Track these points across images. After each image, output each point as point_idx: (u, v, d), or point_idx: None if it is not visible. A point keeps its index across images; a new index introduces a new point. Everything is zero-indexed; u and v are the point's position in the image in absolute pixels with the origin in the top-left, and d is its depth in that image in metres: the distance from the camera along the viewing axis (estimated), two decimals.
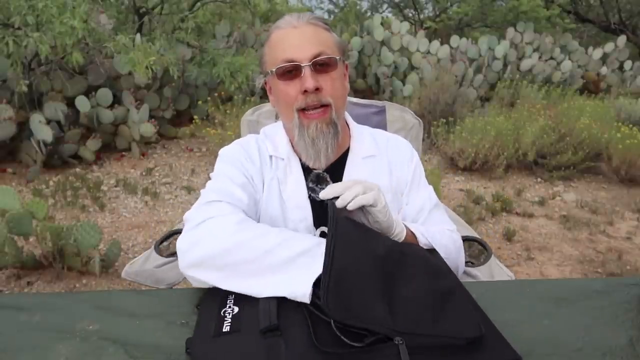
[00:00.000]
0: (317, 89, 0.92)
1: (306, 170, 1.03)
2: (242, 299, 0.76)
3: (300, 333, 0.67)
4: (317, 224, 1.01)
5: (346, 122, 1.11)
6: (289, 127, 1.01)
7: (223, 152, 1.06)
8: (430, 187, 1.13)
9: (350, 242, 0.74)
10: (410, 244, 0.90)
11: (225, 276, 0.79)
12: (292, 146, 1.04)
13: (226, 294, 0.78)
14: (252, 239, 0.80)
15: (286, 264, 0.77)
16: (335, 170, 1.04)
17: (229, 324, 0.70)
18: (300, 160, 1.03)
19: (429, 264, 0.79)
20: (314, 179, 1.03)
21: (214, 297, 0.78)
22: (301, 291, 0.73)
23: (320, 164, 1.00)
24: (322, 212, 1.00)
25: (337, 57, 0.95)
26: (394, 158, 1.10)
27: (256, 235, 0.81)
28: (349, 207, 0.82)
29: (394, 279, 0.73)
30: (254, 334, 0.67)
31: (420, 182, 1.11)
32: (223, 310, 0.74)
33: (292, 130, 0.99)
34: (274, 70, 0.94)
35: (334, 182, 1.03)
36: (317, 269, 0.73)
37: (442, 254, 0.91)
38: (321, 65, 0.92)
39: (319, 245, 0.77)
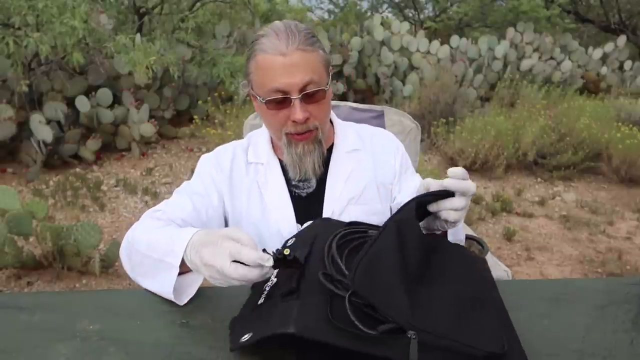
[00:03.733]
0: (306, 119, 0.95)
1: (285, 169, 1.06)
2: (282, 271, 0.78)
3: (316, 303, 0.66)
4: (302, 220, 1.04)
5: (330, 121, 1.13)
6: (278, 144, 1.05)
7: (200, 159, 1.12)
8: (419, 175, 1.17)
9: (400, 233, 0.74)
10: (458, 246, 0.90)
11: (133, 274, 0.89)
12: (274, 149, 1.08)
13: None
14: (142, 242, 0.88)
15: (153, 270, 0.83)
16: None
17: (265, 295, 0.73)
18: (281, 162, 1.06)
19: (468, 270, 0.77)
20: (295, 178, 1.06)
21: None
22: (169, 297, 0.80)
23: (309, 178, 1.04)
24: (304, 209, 1.04)
25: (325, 88, 0.96)
26: (379, 151, 1.12)
27: (145, 240, 0.88)
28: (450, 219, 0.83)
29: (426, 278, 0.72)
30: (278, 298, 0.70)
31: (408, 169, 1.14)
32: (265, 285, 0.76)
33: (280, 147, 1.03)
34: (262, 100, 0.95)
35: (318, 178, 1.07)
36: (169, 282, 0.79)
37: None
38: (310, 96, 0.94)
39: (172, 252, 0.80)
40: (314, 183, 1.06)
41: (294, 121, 0.94)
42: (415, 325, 0.61)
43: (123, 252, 0.92)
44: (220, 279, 0.73)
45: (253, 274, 0.70)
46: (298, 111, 0.92)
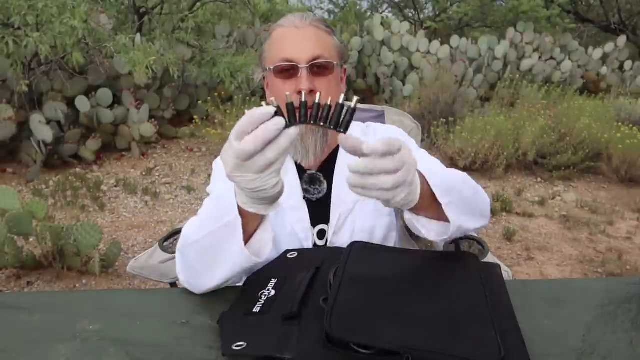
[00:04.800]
0: (311, 91, 0.93)
1: (300, 170, 1.05)
2: (282, 285, 0.78)
3: (316, 326, 0.67)
4: (313, 223, 1.03)
5: None
6: None
7: (215, 164, 1.08)
8: (425, 152, 1.07)
9: (359, 280, 0.74)
10: (448, 256, 0.89)
11: (197, 280, 0.83)
12: None
13: (269, 277, 0.81)
14: (192, 234, 0.84)
15: (216, 247, 0.79)
16: (327, 169, 1.06)
17: (261, 305, 0.73)
18: (295, 161, 1.05)
19: (459, 282, 0.77)
20: (308, 180, 1.04)
21: (258, 278, 0.81)
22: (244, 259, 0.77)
23: (309, 162, 1.02)
24: (318, 211, 1.03)
25: (335, 62, 0.97)
26: None
27: (196, 228, 0.84)
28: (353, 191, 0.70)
29: (418, 297, 0.72)
30: (277, 318, 0.69)
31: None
32: (261, 292, 0.76)
33: None
34: (271, 67, 0.96)
35: (327, 184, 1.04)
36: (239, 241, 0.76)
37: (464, 190, 0.86)
38: (318, 68, 0.95)
39: (226, 210, 0.76)
40: (324, 188, 1.04)
41: (299, 92, 0.93)
42: (409, 347, 0.61)
43: (180, 267, 0.86)
44: (240, 175, 0.66)
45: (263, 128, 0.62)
46: (304, 80, 0.93)
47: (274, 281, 0.79)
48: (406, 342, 0.62)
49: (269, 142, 0.63)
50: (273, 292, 0.76)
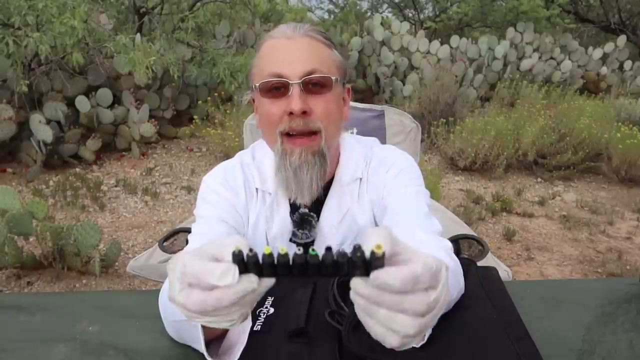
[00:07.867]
0: (304, 112, 0.80)
1: (293, 206, 0.93)
2: (281, 302, 0.75)
3: (326, 343, 0.65)
4: None
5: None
6: (272, 151, 0.89)
7: (205, 183, 0.95)
8: (424, 192, 0.93)
9: None
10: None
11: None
12: None
13: (265, 295, 0.75)
14: (165, 320, 0.74)
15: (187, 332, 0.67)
16: (317, 203, 0.92)
17: (261, 323, 0.71)
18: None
19: (467, 295, 0.75)
20: (298, 220, 0.92)
21: None
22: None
23: (304, 199, 0.87)
24: (304, 250, 0.93)
25: (334, 78, 0.83)
26: (374, 178, 0.94)
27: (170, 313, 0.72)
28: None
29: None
30: (282, 337, 0.67)
31: (403, 178, 0.93)
32: (259, 310, 0.74)
33: (274, 157, 0.87)
34: (258, 85, 0.83)
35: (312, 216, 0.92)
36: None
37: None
38: (313, 85, 0.81)
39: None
40: (314, 234, 0.93)
41: (290, 113, 0.80)
42: None
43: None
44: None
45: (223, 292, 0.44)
46: (295, 99, 0.78)
47: (270, 299, 0.76)
48: (424, 358, 0.61)
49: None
50: (272, 310, 0.74)
